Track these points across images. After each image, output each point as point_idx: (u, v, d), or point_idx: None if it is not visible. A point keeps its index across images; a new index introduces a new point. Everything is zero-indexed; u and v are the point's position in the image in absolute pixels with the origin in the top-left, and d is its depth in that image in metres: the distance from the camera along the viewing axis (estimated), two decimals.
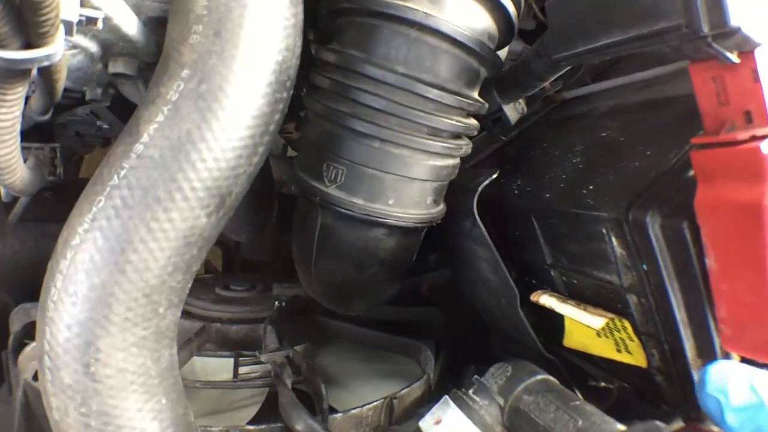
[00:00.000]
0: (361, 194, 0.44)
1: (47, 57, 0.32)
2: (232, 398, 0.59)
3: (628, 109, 0.59)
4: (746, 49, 0.34)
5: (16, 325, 0.69)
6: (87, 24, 0.34)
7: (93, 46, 0.39)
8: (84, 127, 0.71)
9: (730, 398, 0.26)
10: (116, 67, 0.41)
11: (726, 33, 0.32)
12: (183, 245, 0.33)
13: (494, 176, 0.51)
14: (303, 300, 0.69)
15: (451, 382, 0.64)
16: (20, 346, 0.66)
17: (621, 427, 0.39)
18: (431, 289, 0.86)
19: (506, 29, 0.46)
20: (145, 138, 0.32)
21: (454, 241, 0.58)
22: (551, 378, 0.45)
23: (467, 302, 0.70)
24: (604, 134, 0.56)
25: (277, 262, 0.91)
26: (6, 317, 0.73)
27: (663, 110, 0.53)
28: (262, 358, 0.55)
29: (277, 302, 0.66)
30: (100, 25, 0.34)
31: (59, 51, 0.32)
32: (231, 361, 0.62)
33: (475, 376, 0.46)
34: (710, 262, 0.37)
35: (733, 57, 0.34)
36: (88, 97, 0.49)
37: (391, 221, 0.45)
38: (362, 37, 0.43)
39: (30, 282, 0.88)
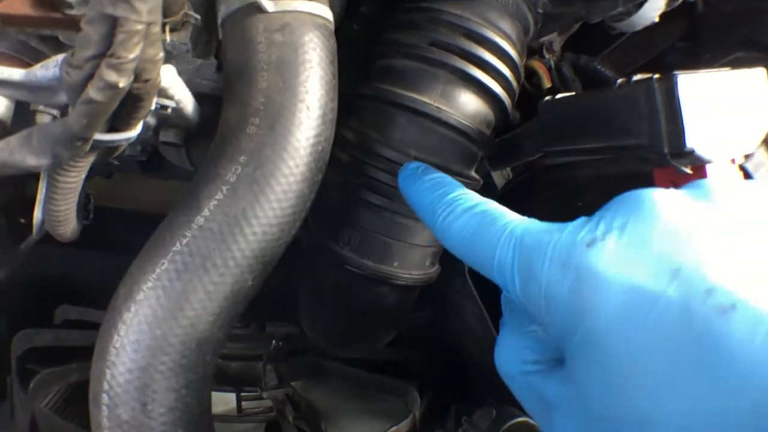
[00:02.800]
0: (372, 257, 0.52)
1: (128, 139, 0.39)
2: (232, 430, 0.66)
3: (604, 180, 0.68)
4: (699, 164, 0.43)
5: (17, 350, 0.74)
6: (159, 110, 0.41)
7: (153, 121, 0.46)
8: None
9: None
10: (167, 136, 0.48)
11: (683, 153, 0.42)
12: (231, 304, 0.41)
13: None
14: (297, 339, 0.76)
15: (433, 420, 0.72)
16: (24, 370, 0.71)
17: None
18: (410, 328, 0.94)
19: (502, 117, 0.56)
20: (205, 212, 0.40)
21: (442, 293, 0.67)
22: (530, 420, 0.54)
23: (447, 345, 0.78)
24: (581, 204, 0.65)
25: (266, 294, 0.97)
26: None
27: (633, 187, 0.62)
28: (265, 395, 0.62)
29: (273, 341, 0.72)
30: (169, 111, 0.42)
31: (137, 133, 0.40)
32: (225, 395, 0.68)
33: (464, 417, 0.54)
34: None
35: (687, 170, 0.43)
36: (127, 152, 0.56)
37: (396, 281, 0.53)
38: (381, 121, 0.52)
39: (23, 304, 0.92)
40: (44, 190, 0.54)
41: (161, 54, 0.32)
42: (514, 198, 0.77)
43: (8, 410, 0.71)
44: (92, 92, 0.30)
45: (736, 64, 0.87)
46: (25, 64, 0.50)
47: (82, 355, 0.74)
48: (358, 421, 0.69)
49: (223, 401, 0.69)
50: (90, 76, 0.30)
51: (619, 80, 0.46)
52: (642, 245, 0.29)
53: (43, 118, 0.52)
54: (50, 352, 0.75)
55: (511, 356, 0.37)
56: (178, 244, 0.40)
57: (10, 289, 0.91)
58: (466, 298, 0.63)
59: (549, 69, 0.89)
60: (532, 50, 0.87)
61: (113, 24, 0.28)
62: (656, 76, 0.43)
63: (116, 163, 0.78)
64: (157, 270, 0.39)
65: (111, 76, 0.29)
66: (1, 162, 0.35)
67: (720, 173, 0.48)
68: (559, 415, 0.31)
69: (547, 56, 0.88)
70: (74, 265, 1.05)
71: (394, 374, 0.76)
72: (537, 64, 0.88)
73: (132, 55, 0.28)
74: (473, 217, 0.38)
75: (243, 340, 0.75)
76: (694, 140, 0.42)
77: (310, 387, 0.75)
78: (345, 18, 0.62)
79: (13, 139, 0.35)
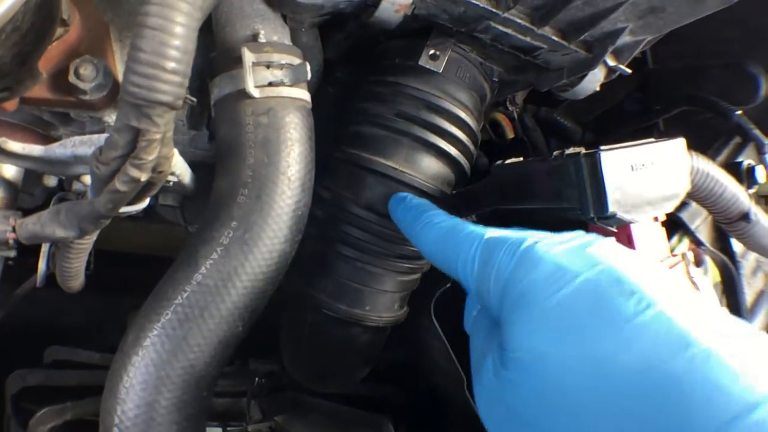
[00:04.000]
0: (345, 301, 0.62)
1: (137, 210, 0.49)
2: None
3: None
4: (622, 224, 0.53)
5: (12, 389, 0.82)
6: (164, 184, 0.51)
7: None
8: None
9: None
10: (166, 200, 0.58)
11: (606, 217, 0.52)
12: (225, 347, 0.50)
13: (448, 286, 0.70)
14: (278, 376, 0.84)
15: None
16: (19, 408, 0.79)
17: None
18: (388, 366, 1.04)
19: (461, 178, 0.66)
20: (203, 270, 0.49)
21: (413, 334, 0.76)
22: None
23: (421, 382, 0.88)
24: None
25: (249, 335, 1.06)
26: None
27: None
28: (250, 428, 0.71)
29: (257, 378, 0.81)
30: (171, 184, 0.51)
31: (146, 204, 0.49)
32: (212, 429, 0.77)
33: None
34: None
35: (613, 228, 0.54)
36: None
37: (368, 323, 0.63)
38: (352, 182, 0.62)
39: (11, 345, 1.00)
40: (48, 244, 0.63)
41: (173, 150, 0.42)
42: None
43: None
44: (118, 184, 0.39)
45: (682, 116, 1.00)
46: (37, 134, 0.59)
47: (74, 393, 0.82)
48: None
49: None
50: (116, 171, 0.39)
51: (555, 152, 0.57)
52: (577, 251, 0.40)
53: (49, 181, 0.62)
54: (42, 391, 0.83)
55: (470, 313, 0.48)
56: (179, 298, 0.49)
57: None
58: (433, 337, 0.72)
59: (512, 120, 1.01)
60: (497, 103, 0.99)
61: (137, 133, 0.37)
62: (583, 151, 0.54)
63: None
64: (162, 319, 0.48)
65: (134, 172, 0.38)
66: (34, 234, 0.44)
67: (642, 230, 0.59)
68: (488, 361, 0.42)
69: (510, 108, 1.00)
70: (58, 305, 1.13)
71: (371, 409, 0.85)
72: (501, 117, 1.00)
73: (151, 157, 0.38)
74: (444, 227, 0.49)
75: (228, 377, 0.83)
76: (615, 206, 0.52)
77: (292, 421, 0.83)
78: (322, 81, 0.72)
79: (44, 215, 0.44)
